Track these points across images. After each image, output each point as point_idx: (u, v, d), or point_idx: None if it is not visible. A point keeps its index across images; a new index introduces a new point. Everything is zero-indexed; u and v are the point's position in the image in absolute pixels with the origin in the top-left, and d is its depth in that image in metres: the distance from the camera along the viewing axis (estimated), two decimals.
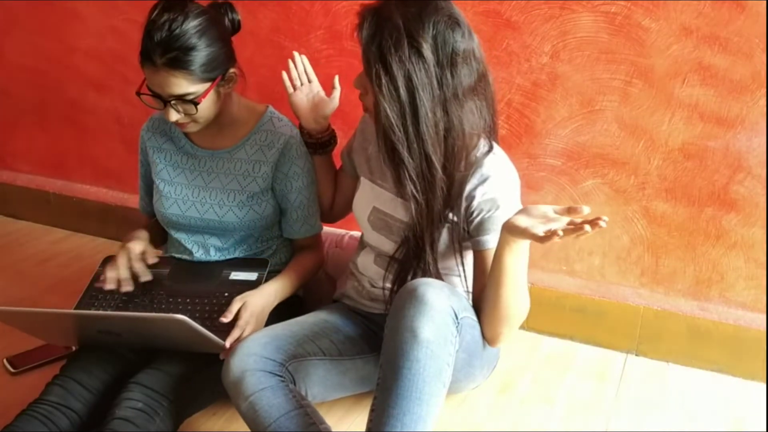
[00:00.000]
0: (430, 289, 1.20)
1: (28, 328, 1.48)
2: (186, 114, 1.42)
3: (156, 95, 1.40)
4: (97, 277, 1.60)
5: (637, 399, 1.62)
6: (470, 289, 1.42)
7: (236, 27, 1.51)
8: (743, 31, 1.52)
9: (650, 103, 1.64)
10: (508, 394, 1.62)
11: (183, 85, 1.37)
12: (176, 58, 1.34)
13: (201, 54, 1.36)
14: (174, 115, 1.41)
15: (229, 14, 1.49)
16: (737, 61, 1.54)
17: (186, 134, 1.59)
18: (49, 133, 2.45)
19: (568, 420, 1.54)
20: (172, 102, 1.39)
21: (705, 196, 1.66)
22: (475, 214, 1.34)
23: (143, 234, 1.59)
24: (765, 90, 1.54)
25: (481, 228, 1.34)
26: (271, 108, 1.60)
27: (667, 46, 1.59)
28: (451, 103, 1.26)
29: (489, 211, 1.33)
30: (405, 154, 1.27)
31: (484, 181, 1.33)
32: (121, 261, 1.50)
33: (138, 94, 1.43)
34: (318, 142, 1.55)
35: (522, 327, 1.88)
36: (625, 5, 1.59)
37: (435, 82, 1.24)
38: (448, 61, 1.24)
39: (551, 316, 1.85)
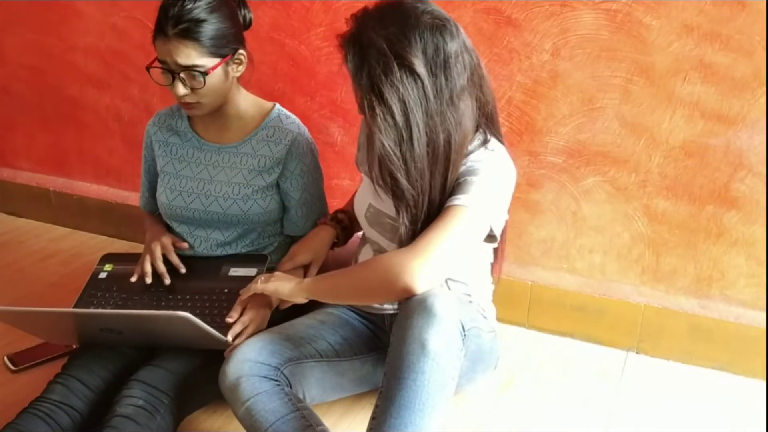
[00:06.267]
0: (438, 300, 1.17)
1: (29, 328, 1.48)
2: (193, 90, 1.44)
3: (165, 69, 1.43)
4: (96, 275, 1.60)
5: (638, 397, 1.62)
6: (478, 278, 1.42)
7: (247, 23, 1.55)
8: (744, 29, 1.52)
9: (651, 101, 1.64)
10: (508, 393, 1.62)
11: (192, 55, 1.40)
12: (187, 29, 1.39)
13: (211, 27, 1.41)
14: (181, 89, 1.43)
15: (241, 10, 1.53)
16: (738, 59, 1.54)
17: (193, 128, 1.61)
18: (50, 130, 2.45)
19: (568, 418, 1.54)
20: (181, 75, 1.42)
21: (706, 194, 1.66)
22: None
23: (164, 229, 1.65)
24: (766, 88, 1.54)
25: (452, 192, 1.26)
26: (278, 105, 1.62)
27: (668, 44, 1.59)
28: (447, 109, 1.21)
29: (465, 176, 1.26)
30: (403, 181, 1.22)
31: (468, 163, 1.28)
32: (157, 254, 1.55)
33: (147, 68, 1.46)
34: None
35: (522, 325, 1.89)
36: (625, 3, 1.59)
37: (431, 95, 1.19)
38: (442, 67, 1.20)
39: (552, 314, 1.85)
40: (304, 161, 1.57)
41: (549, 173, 1.78)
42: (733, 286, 1.70)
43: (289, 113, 1.61)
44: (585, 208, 1.78)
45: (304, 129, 1.60)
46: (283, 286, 1.35)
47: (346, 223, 1.59)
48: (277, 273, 1.43)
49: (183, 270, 1.55)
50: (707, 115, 1.60)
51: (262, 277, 1.40)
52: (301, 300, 1.35)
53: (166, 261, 1.56)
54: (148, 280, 1.53)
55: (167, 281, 1.53)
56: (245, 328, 1.39)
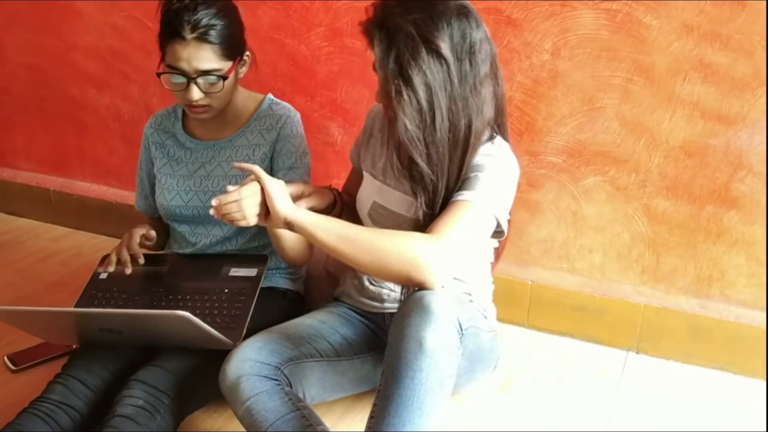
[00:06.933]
0: (436, 298, 1.17)
1: (29, 328, 1.48)
2: (207, 93, 1.45)
3: (180, 73, 1.42)
4: (97, 275, 1.61)
5: (638, 397, 1.62)
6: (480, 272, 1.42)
7: None
8: (744, 29, 1.52)
9: (651, 101, 1.64)
10: (508, 393, 1.62)
11: (212, 59, 1.42)
12: (206, 32, 1.40)
13: (225, 31, 1.43)
14: (197, 93, 1.44)
15: None
16: (738, 59, 1.54)
17: (189, 128, 1.63)
18: (50, 130, 2.45)
19: (568, 418, 1.54)
20: (197, 79, 1.42)
21: (706, 193, 1.66)
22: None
23: (146, 225, 1.64)
24: (766, 88, 1.54)
25: (459, 187, 1.26)
26: (270, 95, 1.64)
27: (668, 44, 1.59)
28: (470, 95, 1.22)
29: (471, 171, 1.27)
30: (423, 164, 1.23)
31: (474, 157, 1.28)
32: (123, 243, 1.55)
33: (158, 74, 1.46)
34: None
35: (522, 325, 1.89)
36: (625, 3, 1.59)
37: (455, 80, 1.20)
38: (468, 53, 1.21)
39: (552, 314, 1.85)
40: (292, 142, 1.57)
41: (549, 173, 1.78)
42: (733, 286, 1.70)
43: (279, 101, 1.63)
44: (585, 208, 1.78)
45: (295, 113, 1.61)
46: (278, 195, 1.22)
47: (343, 196, 1.55)
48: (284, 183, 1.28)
49: (142, 261, 1.55)
50: (707, 115, 1.60)
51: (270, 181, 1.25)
52: (279, 225, 1.22)
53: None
54: (110, 268, 1.54)
55: (128, 270, 1.53)
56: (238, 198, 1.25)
